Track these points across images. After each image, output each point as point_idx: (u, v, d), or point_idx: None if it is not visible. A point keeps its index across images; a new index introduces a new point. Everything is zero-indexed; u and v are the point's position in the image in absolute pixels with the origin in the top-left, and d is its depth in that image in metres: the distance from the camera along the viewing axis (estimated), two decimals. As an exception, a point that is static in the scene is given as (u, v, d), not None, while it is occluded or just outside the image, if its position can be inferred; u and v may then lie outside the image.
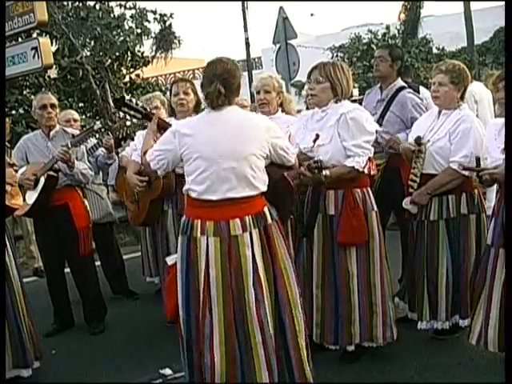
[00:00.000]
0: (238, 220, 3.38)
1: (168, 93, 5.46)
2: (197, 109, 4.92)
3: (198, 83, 4.05)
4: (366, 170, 4.01)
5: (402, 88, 5.09)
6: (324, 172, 3.87)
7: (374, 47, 16.92)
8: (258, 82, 4.95)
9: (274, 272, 3.44)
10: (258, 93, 4.90)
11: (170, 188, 4.79)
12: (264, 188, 3.48)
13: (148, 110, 4.13)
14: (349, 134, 3.95)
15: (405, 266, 4.92)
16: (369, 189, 4.15)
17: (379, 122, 4.92)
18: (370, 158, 4.06)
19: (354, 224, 3.94)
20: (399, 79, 5.18)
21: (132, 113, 4.02)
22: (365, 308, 4.05)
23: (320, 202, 4.09)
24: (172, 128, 3.59)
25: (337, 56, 19.11)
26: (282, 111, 5.01)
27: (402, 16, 21.31)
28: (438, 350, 4.32)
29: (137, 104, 4.02)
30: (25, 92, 12.50)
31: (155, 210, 5.04)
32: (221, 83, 3.37)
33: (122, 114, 4.34)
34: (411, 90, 5.11)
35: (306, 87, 5.41)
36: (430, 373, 4.00)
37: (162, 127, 3.90)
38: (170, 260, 3.67)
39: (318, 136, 4.03)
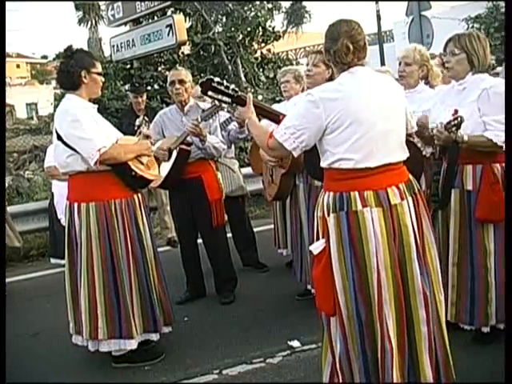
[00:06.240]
0: (394, 188, 3.11)
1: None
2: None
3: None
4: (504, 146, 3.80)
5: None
6: (461, 133, 3.70)
7: (514, 16, 16.07)
8: (400, 53, 4.83)
9: (422, 245, 3.19)
10: (399, 64, 4.80)
11: (299, 162, 4.77)
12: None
13: (238, 92, 3.63)
14: (491, 109, 3.76)
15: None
16: (508, 165, 3.95)
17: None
18: None
19: (493, 200, 3.76)
20: None
21: (219, 97, 3.63)
22: (502, 288, 3.84)
23: (457, 177, 3.95)
24: (308, 97, 3.11)
25: (473, 27, 18.25)
26: (426, 84, 4.85)
27: None
28: None
29: (227, 87, 3.59)
30: (159, 68, 12.91)
31: (287, 185, 5.06)
32: (347, 39, 3.11)
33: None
34: None
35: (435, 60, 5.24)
36: None
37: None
38: (315, 248, 3.21)
39: (456, 111, 3.87)
